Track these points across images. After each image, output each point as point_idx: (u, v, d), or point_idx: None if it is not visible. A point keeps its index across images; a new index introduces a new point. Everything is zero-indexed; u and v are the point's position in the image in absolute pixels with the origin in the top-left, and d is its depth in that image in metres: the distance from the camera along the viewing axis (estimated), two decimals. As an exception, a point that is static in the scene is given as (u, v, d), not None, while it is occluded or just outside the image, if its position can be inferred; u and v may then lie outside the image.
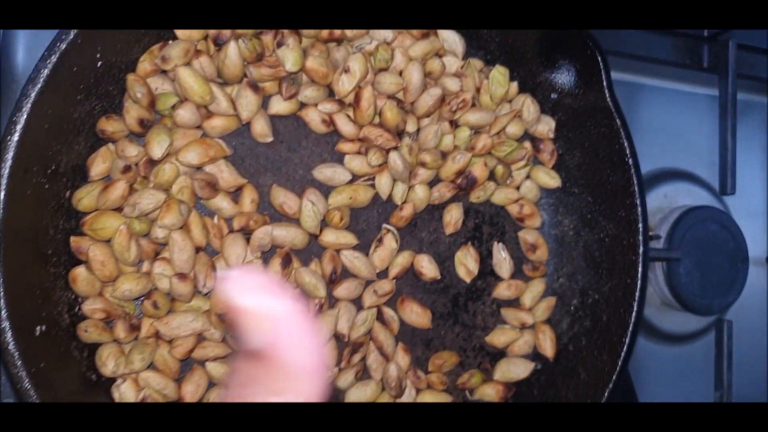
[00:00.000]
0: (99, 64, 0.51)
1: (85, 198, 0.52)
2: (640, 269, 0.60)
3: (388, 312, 0.59)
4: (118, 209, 0.53)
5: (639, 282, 0.60)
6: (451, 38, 0.62)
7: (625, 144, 0.61)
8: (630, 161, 0.61)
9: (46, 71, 0.47)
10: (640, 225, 0.61)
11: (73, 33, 0.48)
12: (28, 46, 0.59)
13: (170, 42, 0.55)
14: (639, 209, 0.61)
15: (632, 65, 0.78)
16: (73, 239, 0.52)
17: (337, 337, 0.57)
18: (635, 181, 0.61)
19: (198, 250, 0.54)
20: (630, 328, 0.59)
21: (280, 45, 0.56)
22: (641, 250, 0.60)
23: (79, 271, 0.51)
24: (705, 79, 0.80)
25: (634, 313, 0.59)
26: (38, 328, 0.48)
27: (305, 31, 0.57)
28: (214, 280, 0.54)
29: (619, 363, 0.58)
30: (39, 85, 0.47)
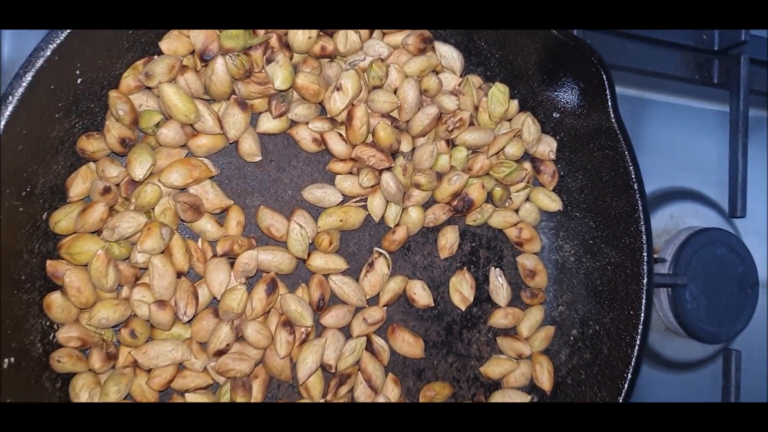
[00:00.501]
0: (79, 81, 0.49)
1: (62, 220, 0.50)
2: (644, 301, 0.57)
3: (378, 341, 0.57)
4: (97, 232, 0.51)
5: (642, 315, 0.57)
6: (448, 54, 0.60)
7: (630, 168, 0.59)
8: (635, 186, 0.59)
9: (20, 90, 0.45)
10: (645, 253, 0.58)
11: (50, 49, 0.46)
12: (11, 59, 0.57)
13: (155, 57, 0.52)
14: (644, 236, 0.58)
15: (638, 80, 0.75)
16: (49, 263, 0.50)
17: (324, 367, 0.55)
18: (640, 207, 0.59)
19: (180, 275, 0.52)
20: (632, 364, 0.57)
21: (269, 61, 0.53)
22: (645, 280, 0.58)
23: (54, 298, 0.49)
24: (714, 94, 0.77)
25: (636, 348, 0.57)
26: (6, 360, 0.46)
27: (296, 47, 0.55)
28: (195, 307, 0.51)
29: (620, 401, 0.55)
30: (12, 105, 0.45)
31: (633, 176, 0.59)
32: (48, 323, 0.50)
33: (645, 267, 0.58)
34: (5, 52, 0.57)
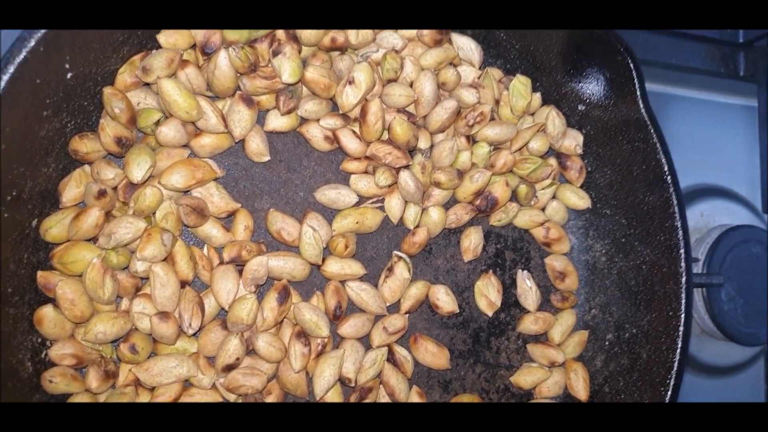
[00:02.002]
0: (69, 75, 0.43)
1: (54, 227, 0.43)
2: (683, 301, 0.50)
3: (401, 351, 0.50)
4: (93, 240, 0.44)
5: (683, 315, 0.50)
6: (466, 45, 0.53)
7: (663, 160, 0.52)
8: (669, 179, 0.52)
9: (1, 85, 0.38)
10: (682, 251, 0.51)
11: (34, 40, 0.40)
12: None
13: (153, 51, 0.46)
14: (680, 233, 0.51)
15: (662, 74, 0.69)
16: (40, 274, 0.43)
17: (343, 381, 0.48)
18: (675, 202, 0.52)
19: (184, 284, 0.45)
20: (674, 368, 0.50)
21: (276, 54, 0.47)
22: (684, 278, 0.50)
23: (46, 311, 0.42)
24: (741, 88, 0.71)
25: (678, 351, 0.50)
26: (-12, 382, 0.39)
27: (305, 39, 0.48)
28: (201, 318, 0.44)
29: (666, 411, 0.47)
30: (-7, 100, 0.38)
31: (666, 169, 0.52)
32: (39, 340, 0.43)
33: (683, 264, 0.51)
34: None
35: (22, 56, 0.39)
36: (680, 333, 0.50)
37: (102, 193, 0.43)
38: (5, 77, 0.39)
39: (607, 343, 0.54)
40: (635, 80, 0.52)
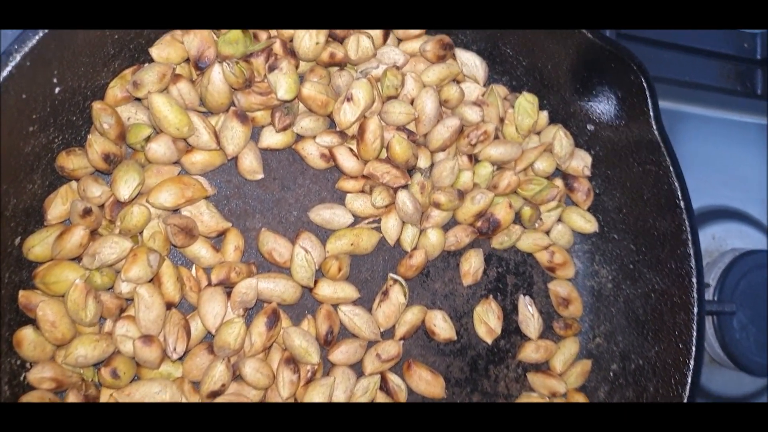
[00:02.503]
0: (57, 90, 0.41)
1: (37, 246, 0.41)
2: (695, 333, 0.47)
3: (394, 379, 0.47)
4: (77, 259, 0.42)
5: (694, 348, 0.47)
6: (471, 61, 0.51)
7: (676, 184, 0.49)
8: (681, 204, 0.49)
9: (-17, 100, 0.37)
10: (694, 279, 0.48)
11: (19, 55, 0.38)
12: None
13: (145, 65, 0.44)
14: (692, 261, 0.49)
15: (674, 92, 0.66)
16: (22, 294, 0.41)
17: (332, 410, 0.45)
18: (688, 228, 0.49)
19: (170, 306, 0.43)
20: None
21: (272, 69, 0.45)
22: (696, 309, 0.47)
23: (26, 333, 0.41)
24: (757, 106, 0.67)
25: (688, 386, 0.47)
26: (-42, 410, 0.37)
27: (303, 54, 0.46)
28: (186, 342, 0.42)
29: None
30: (-27, 116, 0.37)
31: (679, 193, 0.49)
32: (18, 362, 0.41)
33: (695, 295, 0.48)
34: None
35: (6, 72, 0.38)
36: (691, 367, 0.47)
37: (87, 212, 0.41)
38: (-14, 92, 0.37)
39: (611, 373, 0.52)
40: (648, 100, 0.49)
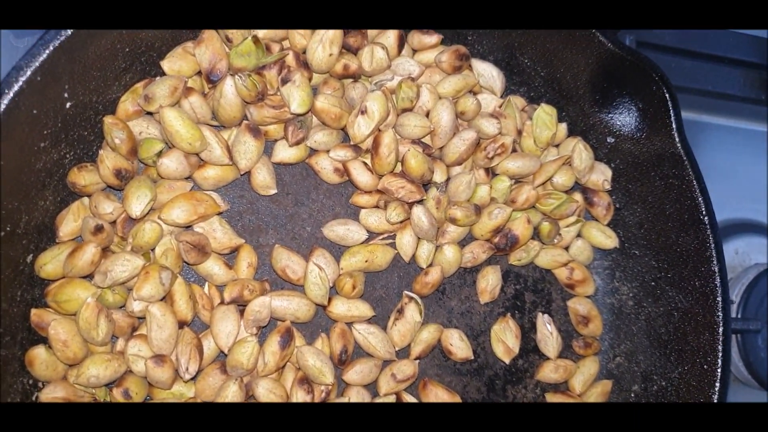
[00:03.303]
0: (68, 105, 0.41)
1: (49, 263, 0.41)
2: (720, 354, 0.47)
3: (410, 400, 0.47)
4: (89, 277, 0.42)
5: (720, 371, 0.46)
6: (487, 72, 0.50)
7: (700, 199, 0.49)
8: (706, 219, 0.48)
9: (-6, 116, 0.37)
10: (719, 298, 0.47)
11: (30, 69, 0.38)
12: None
13: (156, 78, 0.44)
14: (717, 279, 0.48)
15: (696, 102, 0.66)
16: (34, 312, 0.41)
17: None
18: (712, 244, 0.48)
19: (182, 325, 0.43)
20: (708, 428, 0.46)
21: (285, 82, 0.45)
22: (721, 329, 0.47)
23: (38, 352, 0.41)
24: (783, 117, 0.66)
25: (713, 409, 0.46)
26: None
27: (316, 66, 0.46)
28: (198, 362, 0.42)
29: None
30: (-16, 134, 0.37)
31: (703, 209, 0.49)
32: (30, 381, 0.41)
33: (720, 314, 0.48)
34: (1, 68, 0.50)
35: (17, 87, 0.38)
36: (716, 390, 0.46)
37: (99, 229, 0.41)
38: (-1, 109, 0.37)
39: (632, 395, 0.51)
40: (671, 112, 0.49)
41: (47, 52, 0.38)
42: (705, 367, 0.47)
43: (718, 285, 0.47)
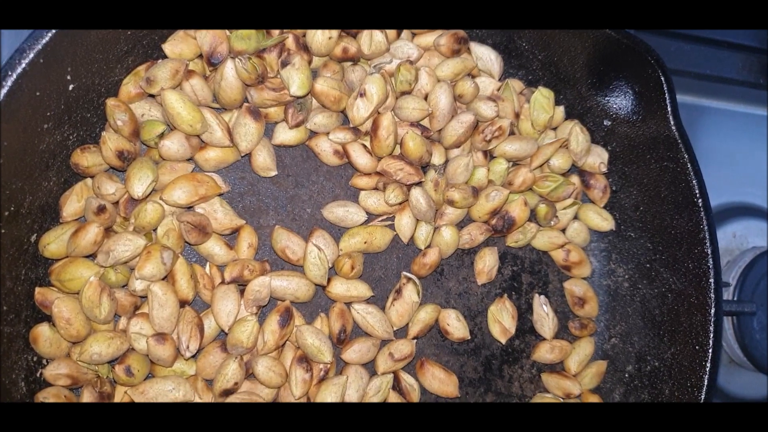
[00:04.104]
0: (71, 87, 0.42)
1: (52, 243, 0.43)
2: (711, 335, 0.48)
3: (407, 379, 0.48)
4: (92, 256, 0.43)
5: (710, 350, 0.47)
6: (486, 55, 0.51)
7: (694, 181, 0.49)
8: (699, 202, 0.50)
9: (-3, 98, 0.38)
10: (712, 280, 0.48)
11: (33, 52, 0.39)
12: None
13: (158, 61, 0.45)
14: (710, 260, 0.49)
15: (694, 85, 0.66)
16: (38, 291, 0.42)
17: (345, 409, 0.46)
18: (705, 226, 0.49)
19: (183, 304, 0.44)
20: (699, 406, 0.47)
21: (284, 65, 0.45)
22: (713, 310, 0.48)
23: (42, 330, 0.42)
24: (781, 101, 0.67)
25: (704, 389, 0.47)
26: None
27: (316, 49, 0.47)
28: (199, 341, 0.43)
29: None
30: (-12, 114, 0.38)
31: (697, 191, 0.50)
32: (35, 358, 0.42)
33: (712, 295, 0.49)
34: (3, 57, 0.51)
35: (20, 69, 0.38)
36: (707, 370, 0.47)
37: (101, 209, 0.42)
38: (2, 91, 0.38)
39: (627, 375, 0.52)
40: (666, 95, 0.50)
41: (50, 34, 0.39)
42: (697, 347, 0.48)
43: (710, 267, 0.48)
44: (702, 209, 0.49)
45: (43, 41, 0.39)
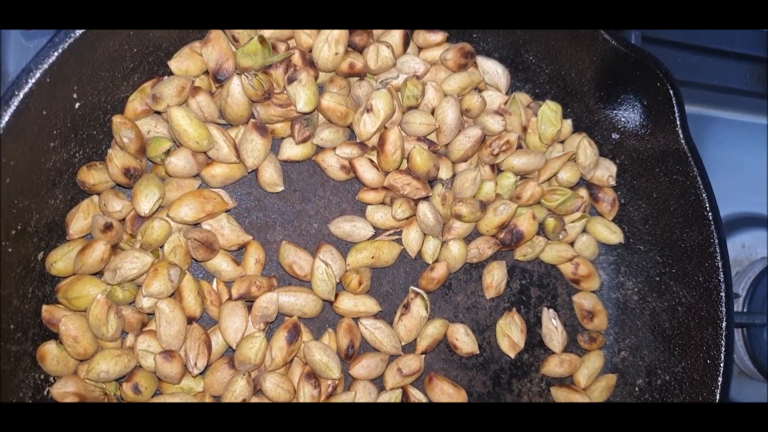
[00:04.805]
0: (77, 105, 0.42)
1: (59, 261, 0.42)
2: (723, 348, 0.47)
3: (415, 394, 0.48)
4: (99, 274, 0.43)
5: (722, 365, 0.46)
6: (492, 69, 0.51)
7: (704, 195, 0.49)
8: (710, 216, 0.49)
9: (5, 117, 0.37)
10: (723, 294, 0.48)
11: (40, 71, 0.39)
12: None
13: (164, 78, 0.44)
14: (721, 274, 0.48)
15: (701, 96, 0.65)
16: (45, 309, 0.42)
17: (353, 426, 0.46)
18: (716, 240, 0.49)
19: (191, 321, 0.44)
20: (711, 421, 0.46)
21: (291, 80, 0.45)
22: (724, 324, 0.47)
23: (49, 348, 0.41)
24: (789, 111, 0.66)
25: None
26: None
27: (322, 65, 0.46)
28: (207, 358, 0.43)
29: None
30: (-4, 135, 0.37)
31: (707, 205, 0.49)
32: (42, 376, 0.42)
33: (723, 309, 0.48)
34: (11, 68, 0.51)
35: (27, 88, 0.38)
36: (719, 384, 0.46)
37: (108, 227, 0.42)
38: (9, 111, 0.38)
39: (637, 389, 0.51)
40: (675, 108, 0.49)
41: (56, 54, 0.39)
42: (708, 361, 0.47)
43: (721, 280, 0.48)
44: (712, 223, 0.49)
45: (50, 61, 0.39)
